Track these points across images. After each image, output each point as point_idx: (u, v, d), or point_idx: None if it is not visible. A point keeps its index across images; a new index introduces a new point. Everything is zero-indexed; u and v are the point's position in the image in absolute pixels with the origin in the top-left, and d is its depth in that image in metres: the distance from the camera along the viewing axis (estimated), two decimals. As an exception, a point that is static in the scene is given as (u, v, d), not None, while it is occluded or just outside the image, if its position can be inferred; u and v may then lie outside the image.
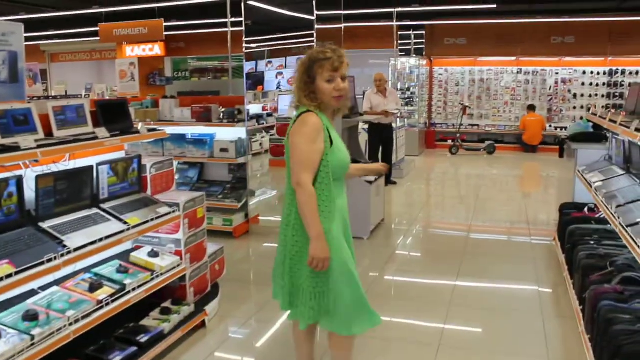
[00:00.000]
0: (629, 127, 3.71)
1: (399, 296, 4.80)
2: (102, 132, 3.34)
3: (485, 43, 13.30)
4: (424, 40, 13.80)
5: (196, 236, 4.00)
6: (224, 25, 6.64)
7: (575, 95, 13.22)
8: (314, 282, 2.62)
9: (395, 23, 11.45)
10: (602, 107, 11.78)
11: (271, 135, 11.43)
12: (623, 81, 12.88)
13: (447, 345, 3.74)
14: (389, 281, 5.07)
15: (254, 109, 11.86)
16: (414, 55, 13.47)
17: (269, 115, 12.08)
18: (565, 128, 13.17)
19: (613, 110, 4.65)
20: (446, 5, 10.64)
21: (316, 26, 7.35)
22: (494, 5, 10.15)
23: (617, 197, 4.03)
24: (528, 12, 12.02)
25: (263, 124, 11.81)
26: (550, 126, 13.34)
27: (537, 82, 13.37)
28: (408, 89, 13.35)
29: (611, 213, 3.74)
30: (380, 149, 8.67)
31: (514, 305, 4.45)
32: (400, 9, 10.79)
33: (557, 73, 13.22)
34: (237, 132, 6.11)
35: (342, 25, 8.54)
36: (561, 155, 6.15)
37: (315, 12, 7.24)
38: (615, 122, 4.18)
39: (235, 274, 4.92)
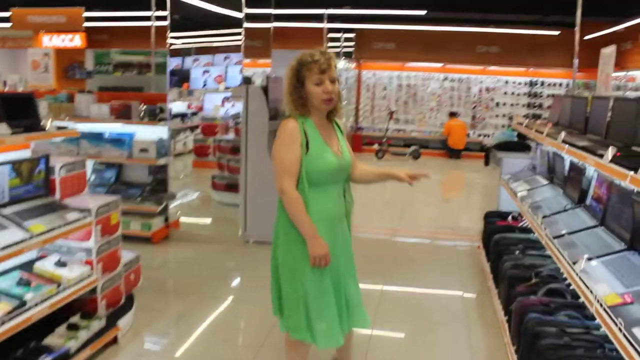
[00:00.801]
0: (555, 139, 3.73)
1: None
2: (2, 128, 2.99)
3: (413, 49, 13.49)
4: (353, 44, 13.82)
5: (109, 244, 3.70)
6: (150, 18, 6.31)
7: (498, 104, 13.63)
8: (274, 276, 2.81)
9: (325, 25, 11.35)
10: (523, 116, 12.17)
11: (196, 135, 11.06)
12: (542, 92, 13.41)
13: (375, 351, 3.67)
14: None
15: (179, 107, 11.45)
16: (343, 59, 13.45)
17: (194, 114, 11.70)
18: (488, 135, 13.56)
19: (538, 121, 4.71)
20: (377, 9, 10.64)
21: (245, 24, 7.12)
22: (424, 12, 10.25)
23: (542, 208, 4.06)
24: (456, 20, 12.27)
25: (187, 122, 11.42)
26: (473, 133, 13.67)
27: (462, 90, 13.70)
28: (336, 92, 13.31)
29: (537, 224, 3.75)
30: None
31: (439, 312, 4.43)
32: (331, 11, 10.70)
33: (481, 82, 13.60)
34: (158, 132, 5.79)
35: (272, 25, 8.34)
36: (487, 163, 6.22)
37: (245, 10, 7.01)
38: (541, 132, 4.22)
39: (153, 283, 4.63)
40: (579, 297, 3.42)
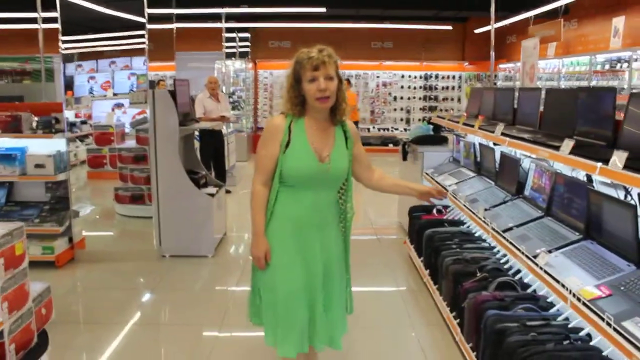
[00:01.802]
0: (492, 132, 3.71)
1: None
2: None
3: (309, 47, 13.31)
4: (249, 43, 13.49)
5: (15, 278, 3.17)
6: (31, 20, 5.66)
7: (395, 98, 13.88)
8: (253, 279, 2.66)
9: (223, 25, 10.93)
10: (420, 109, 12.51)
11: (87, 145, 10.26)
12: (437, 85, 13.84)
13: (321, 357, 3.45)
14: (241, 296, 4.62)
15: (66, 116, 10.58)
16: (239, 58, 13.09)
17: (84, 122, 10.86)
18: (387, 129, 13.78)
19: (465, 114, 4.71)
20: (275, 7, 10.40)
21: (147, 26, 6.62)
22: (324, 9, 10.15)
23: (479, 201, 4.04)
24: (352, 17, 12.31)
25: (77, 132, 10.57)
26: (373, 127, 13.84)
27: (360, 85, 13.82)
28: (233, 93, 12.94)
29: (479, 217, 3.71)
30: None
31: (379, 312, 4.31)
32: (228, 10, 10.31)
33: (378, 77, 13.77)
34: (54, 144, 5.21)
35: (175, 26, 7.86)
36: (404, 158, 6.19)
37: (146, 11, 6.51)
38: (472, 125, 4.20)
39: (64, 313, 4.12)
40: (527, 288, 3.43)
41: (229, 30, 11.46)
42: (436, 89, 13.89)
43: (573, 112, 3.14)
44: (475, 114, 4.94)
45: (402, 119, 14.11)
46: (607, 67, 8.21)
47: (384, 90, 13.90)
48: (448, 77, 13.91)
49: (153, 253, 5.57)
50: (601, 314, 2.14)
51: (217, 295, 4.76)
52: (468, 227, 4.83)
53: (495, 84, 13.45)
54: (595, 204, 2.70)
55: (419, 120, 14.03)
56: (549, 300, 3.20)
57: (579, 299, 2.33)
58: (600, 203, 2.65)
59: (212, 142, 8.10)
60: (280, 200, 2.51)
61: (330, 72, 2.39)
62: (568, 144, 2.62)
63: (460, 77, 14.01)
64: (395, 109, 13.96)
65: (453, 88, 14.11)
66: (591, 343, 2.70)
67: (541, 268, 2.71)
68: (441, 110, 13.79)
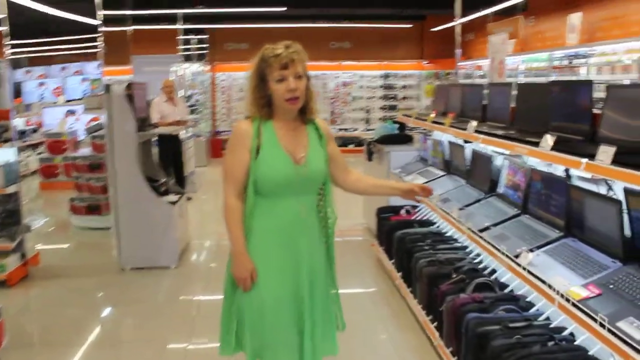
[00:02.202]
0: (464, 129, 3.62)
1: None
2: None
3: (274, 43, 13.15)
4: (206, 45, 13.20)
5: (-36, 300, 2.95)
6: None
7: (354, 98, 13.82)
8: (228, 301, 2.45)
9: (180, 26, 10.62)
10: (380, 108, 12.48)
11: (39, 154, 9.84)
12: (396, 84, 13.85)
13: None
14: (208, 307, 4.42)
15: (15, 124, 10.12)
16: (196, 61, 12.78)
17: (34, 130, 10.42)
18: (347, 129, 13.71)
19: (417, 111, 4.63)
20: (233, 7, 10.16)
21: (101, 29, 6.33)
22: (285, 8, 9.97)
23: (452, 200, 3.95)
24: (311, 17, 12.18)
25: (27, 141, 10.13)
26: (333, 128, 13.74)
27: (319, 86, 13.69)
28: (190, 97, 12.64)
29: (453, 217, 3.62)
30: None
31: (351, 316, 4.15)
32: (185, 11, 10.01)
33: (337, 77, 13.69)
34: (3, 154, 4.90)
35: (131, 28, 7.55)
36: (370, 158, 6.09)
37: (100, 13, 6.21)
38: (442, 123, 4.12)
39: (17, 336, 3.86)
40: (505, 288, 3.35)
41: (185, 32, 11.16)
42: (395, 88, 13.90)
43: (547, 107, 3.07)
44: (442, 111, 4.87)
45: (361, 119, 14.06)
46: (565, 62, 8.30)
47: (344, 90, 13.82)
48: (407, 76, 13.94)
49: (113, 266, 5.31)
50: (594, 315, 2.05)
51: (182, 307, 4.55)
52: (438, 227, 4.75)
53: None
54: (577, 200, 2.63)
55: (379, 119, 14.02)
56: (528, 299, 3.13)
57: (567, 300, 2.24)
58: (582, 199, 2.58)
59: (170, 148, 7.85)
60: (258, 213, 2.31)
61: (300, 71, 2.22)
62: (549, 140, 2.53)
63: (419, 76, 14.04)
64: (354, 109, 13.89)
65: (412, 87, 14.14)
66: (576, 342, 2.64)
67: (524, 268, 2.62)
68: (401, 109, 13.81)
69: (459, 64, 13.07)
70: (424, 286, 3.78)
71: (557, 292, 2.31)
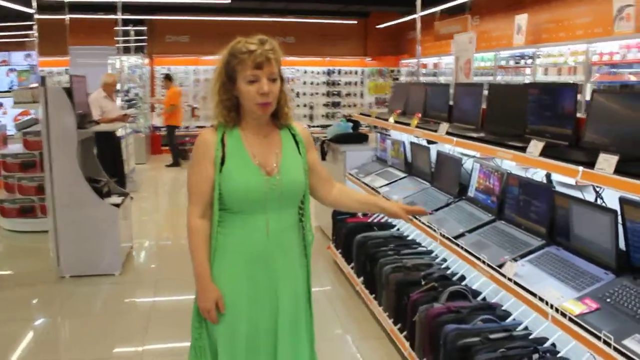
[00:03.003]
0: (434, 131, 3.49)
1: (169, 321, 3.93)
2: None
3: (208, 41, 12.75)
4: (145, 37, 12.64)
5: None
6: None
7: (298, 94, 13.61)
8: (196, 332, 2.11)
9: (119, 17, 10.05)
10: (323, 105, 12.34)
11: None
12: (339, 80, 13.75)
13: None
14: (158, 316, 4.14)
15: None
16: (135, 54, 12.20)
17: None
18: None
19: (396, 111, 4.49)
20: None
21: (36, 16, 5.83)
22: (229, 0, 9.60)
23: (418, 204, 3.81)
24: (255, 11, 11.86)
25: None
26: (276, 126, 13.52)
27: (262, 81, 13.40)
28: (128, 91, 12.07)
29: (424, 223, 3.48)
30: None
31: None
32: (125, 0, 9.47)
33: (280, 72, 13.42)
34: None
35: (67, 17, 7.03)
36: (323, 158, 5.91)
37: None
38: (407, 124, 3.98)
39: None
40: (478, 296, 3.25)
41: (123, 23, 10.60)
42: (339, 84, 13.81)
43: (523, 110, 2.98)
44: (402, 111, 4.74)
45: (305, 116, 13.87)
46: (511, 62, 8.41)
47: (287, 86, 13.57)
48: (350, 72, 13.86)
49: (50, 274, 4.90)
50: (597, 333, 1.94)
51: (130, 317, 4.22)
52: (398, 229, 4.63)
53: (396, 79, 13.58)
54: (563, 207, 2.54)
55: (322, 116, 13.88)
56: (504, 308, 3.05)
57: (564, 315, 2.12)
58: (570, 207, 2.48)
59: (109, 146, 7.41)
60: (226, 232, 2.04)
61: (275, 72, 1.97)
62: (537, 146, 2.42)
63: (362, 73, 13.99)
64: (298, 105, 13.68)
65: (356, 83, 14.07)
66: (560, 354, 2.56)
67: (510, 279, 2.50)
68: (344, 106, 13.75)
69: (402, 61, 13.16)
70: (391, 294, 3.64)
71: (551, 306, 2.20)
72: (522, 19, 8.16)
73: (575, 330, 2.06)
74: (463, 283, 3.43)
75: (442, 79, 10.78)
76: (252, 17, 12.10)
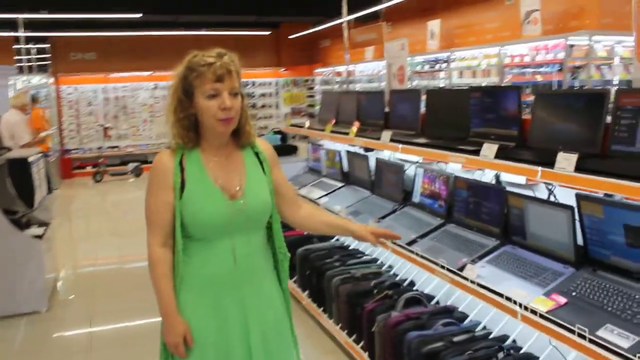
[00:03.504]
0: (377, 139, 3.49)
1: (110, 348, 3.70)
2: None
3: (117, 58, 12.32)
4: (49, 55, 11.96)
5: None
6: None
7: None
8: None
9: (21, 34, 9.41)
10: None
11: None
12: (254, 92, 13.66)
13: None
14: (97, 356, 3.89)
15: None
16: (38, 72, 11.49)
17: None
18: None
19: (332, 121, 4.46)
20: (82, 13, 9.20)
21: None
22: (140, 15, 9.24)
23: (363, 213, 3.80)
24: (167, 25, 11.50)
25: None
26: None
27: (176, 97, 13.04)
28: (32, 112, 11.37)
29: (373, 231, 3.46)
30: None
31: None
32: (27, 16, 8.86)
33: (194, 87, 13.11)
34: None
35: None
36: (254, 172, 5.80)
37: None
38: (345, 133, 3.96)
39: None
40: (432, 300, 3.27)
41: (25, 40, 9.95)
42: (254, 96, 13.69)
43: (465, 113, 3.03)
44: (334, 120, 4.73)
45: (272, 130, 13.69)
46: (426, 67, 8.65)
47: (247, 102, 13.32)
48: (265, 83, 13.78)
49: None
50: (571, 327, 1.97)
51: (66, 354, 3.93)
52: (338, 240, 4.61)
53: (311, 88, 13.65)
54: (517, 207, 2.59)
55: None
56: (460, 309, 3.08)
57: (534, 312, 2.15)
58: (524, 206, 2.54)
59: (22, 172, 6.93)
60: (191, 260, 1.91)
61: (236, 86, 1.86)
62: (491, 148, 2.46)
63: (277, 83, 13.94)
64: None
65: (271, 94, 14.01)
66: (523, 350, 2.61)
67: (473, 282, 2.52)
68: (261, 117, 13.64)
69: (316, 70, 13.24)
70: (343, 305, 3.59)
71: (520, 305, 2.23)
72: (434, 24, 8.42)
73: (548, 327, 2.09)
74: (414, 288, 3.45)
75: (358, 87, 10.92)
76: (164, 32, 11.76)
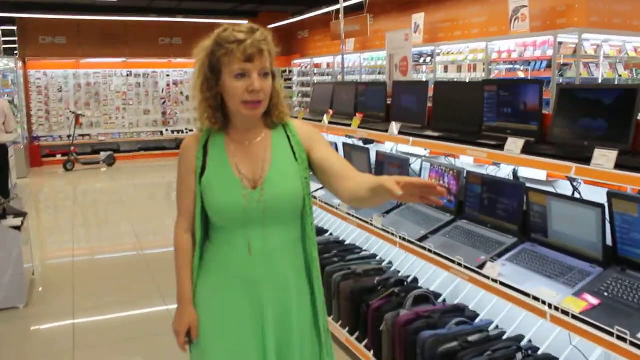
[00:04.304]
0: (385, 131, 3.39)
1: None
2: None
3: (89, 43, 11.92)
4: (15, 39, 11.48)
5: None
6: None
7: (188, 97, 13.09)
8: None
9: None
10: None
11: None
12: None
13: None
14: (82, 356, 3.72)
15: None
16: (5, 56, 11.02)
17: None
18: (181, 131, 12.95)
19: (328, 114, 4.34)
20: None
21: None
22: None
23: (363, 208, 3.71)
24: (141, 10, 11.17)
25: None
26: (167, 130, 12.90)
27: (150, 85, 12.73)
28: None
29: (378, 227, 3.38)
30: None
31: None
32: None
33: (168, 75, 12.81)
34: None
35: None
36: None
37: None
38: (345, 125, 3.85)
39: None
40: (439, 297, 3.20)
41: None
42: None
43: (478, 107, 2.96)
44: (331, 111, 4.62)
45: (196, 119, 13.38)
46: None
47: (176, 89, 13.00)
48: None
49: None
50: (609, 329, 1.92)
51: (52, 347, 3.75)
52: (331, 234, 4.52)
53: (289, 79, 13.47)
54: (539, 204, 2.53)
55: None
56: (471, 308, 3.02)
57: (565, 313, 2.09)
58: (549, 203, 2.48)
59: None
60: (212, 247, 1.84)
61: (267, 66, 1.70)
62: (516, 143, 2.39)
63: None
64: (188, 109, 13.17)
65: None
66: (541, 350, 2.56)
67: (495, 281, 2.45)
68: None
69: (294, 61, 13.08)
70: (345, 302, 3.50)
71: (550, 306, 2.16)
72: (419, 17, 8.37)
73: (582, 328, 2.03)
74: (418, 285, 3.38)
75: (339, 78, 10.81)
76: (137, 17, 11.41)
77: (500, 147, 2.52)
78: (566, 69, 6.17)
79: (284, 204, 1.79)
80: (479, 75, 7.09)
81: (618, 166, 1.99)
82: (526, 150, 2.40)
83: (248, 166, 1.79)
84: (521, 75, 6.66)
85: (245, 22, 1.78)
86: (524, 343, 2.64)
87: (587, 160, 2.10)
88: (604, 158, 2.01)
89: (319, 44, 12.09)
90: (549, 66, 6.11)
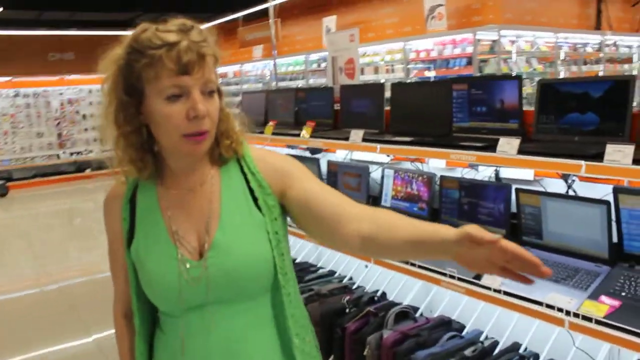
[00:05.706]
0: (345, 139, 3.17)
1: None
2: None
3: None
4: None
5: None
6: None
7: (85, 116, 12.20)
8: None
9: None
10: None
11: None
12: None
13: None
14: None
15: None
16: None
17: None
18: (80, 153, 12.09)
19: (272, 123, 4.05)
20: None
21: None
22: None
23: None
24: (32, 23, 10.25)
25: None
26: (64, 152, 11.95)
27: (41, 105, 11.70)
28: None
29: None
30: None
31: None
32: None
33: (61, 93, 11.85)
34: None
35: None
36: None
37: None
38: (293, 135, 3.59)
39: None
40: (417, 311, 3.02)
41: None
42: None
43: (447, 108, 2.82)
44: (272, 121, 4.34)
45: (95, 139, 12.53)
46: (323, 65, 8.46)
47: (70, 108, 12.07)
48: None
49: None
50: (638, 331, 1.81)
51: None
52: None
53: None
54: (531, 205, 2.41)
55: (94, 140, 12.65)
56: (456, 320, 2.87)
57: (587, 319, 1.97)
58: (542, 203, 2.36)
59: None
60: (160, 336, 1.36)
61: (212, 80, 1.20)
62: (511, 143, 2.24)
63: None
64: (86, 129, 12.26)
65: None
66: (542, 356, 2.44)
67: (497, 291, 2.29)
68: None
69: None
70: (315, 328, 3.23)
71: (567, 313, 2.03)
72: (331, 21, 8.25)
73: (608, 333, 1.91)
74: (390, 300, 3.19)
75: (246, 87, 10.51)
76: (25, 31, 10.45)
77: (488, 148, 2.37)
78: (484, 65, 6.27)
79: (239, 278, 1.25)
80: (398, 75, 7.06)
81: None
82: (522, 150, 2.26)
83: (188, 226, 1.27)
84: (432, 74, 6.71)
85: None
86: (522, 351, 2.52)
87: (593, 156, 1.99)
88: (620, 154, 1.90)
89: (224, 52, 11.72)
90: (468, 63, 6.18)
